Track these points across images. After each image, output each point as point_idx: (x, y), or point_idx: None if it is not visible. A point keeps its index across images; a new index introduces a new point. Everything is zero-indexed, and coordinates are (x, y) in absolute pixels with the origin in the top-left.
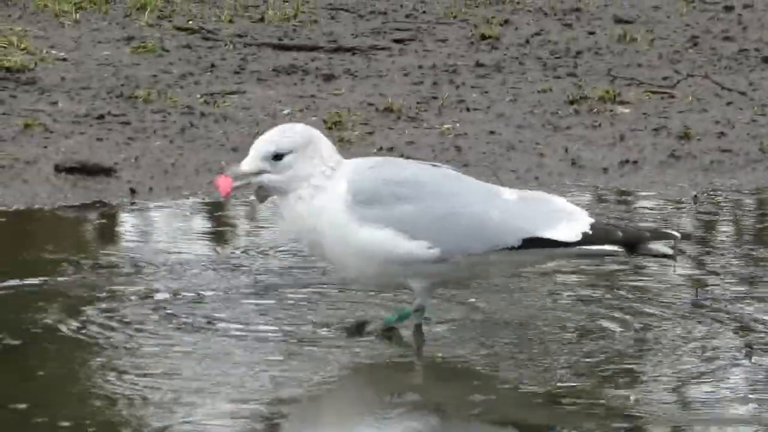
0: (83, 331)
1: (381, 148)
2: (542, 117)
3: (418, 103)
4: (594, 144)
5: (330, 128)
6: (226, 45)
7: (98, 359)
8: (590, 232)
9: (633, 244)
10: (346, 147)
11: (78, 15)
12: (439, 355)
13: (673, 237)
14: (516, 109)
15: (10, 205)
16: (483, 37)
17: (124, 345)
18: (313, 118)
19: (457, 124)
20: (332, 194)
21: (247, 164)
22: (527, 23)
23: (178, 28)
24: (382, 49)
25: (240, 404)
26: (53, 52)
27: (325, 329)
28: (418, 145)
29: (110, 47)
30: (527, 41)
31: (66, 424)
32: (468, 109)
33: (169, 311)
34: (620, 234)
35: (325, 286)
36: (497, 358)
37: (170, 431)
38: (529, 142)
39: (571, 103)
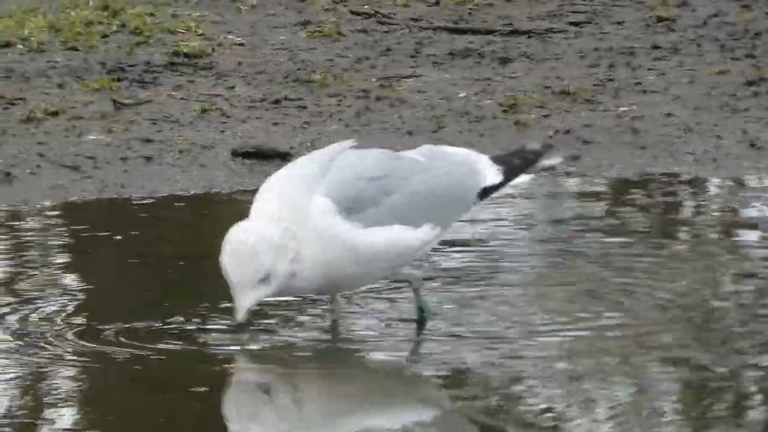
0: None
1: (557, 131)
2: (720, 99)
3: (594, 85)
4: None
5: (505, 111)
6: (401, 29)
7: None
8: (503, 168)
9: (527, 167)
10: (522, 130)
11: (254, 0)
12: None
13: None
14: (693, 91)
15: (189, 189)
16: (659, 19)
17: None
18: (489, 101)
19: (634, 107)
20: (313, 219)
21: (244, 303)
22: (704, 5)
23: (354, 13)
24: (558, 31)
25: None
26: (230, 37)
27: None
28: (594, 128)
29: (286, 32)
30: (704, 23)
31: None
32: (644, 92)
33: None
34: (518, 162)
35: None
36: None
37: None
38: (706, 124)
39: (750, 84)
